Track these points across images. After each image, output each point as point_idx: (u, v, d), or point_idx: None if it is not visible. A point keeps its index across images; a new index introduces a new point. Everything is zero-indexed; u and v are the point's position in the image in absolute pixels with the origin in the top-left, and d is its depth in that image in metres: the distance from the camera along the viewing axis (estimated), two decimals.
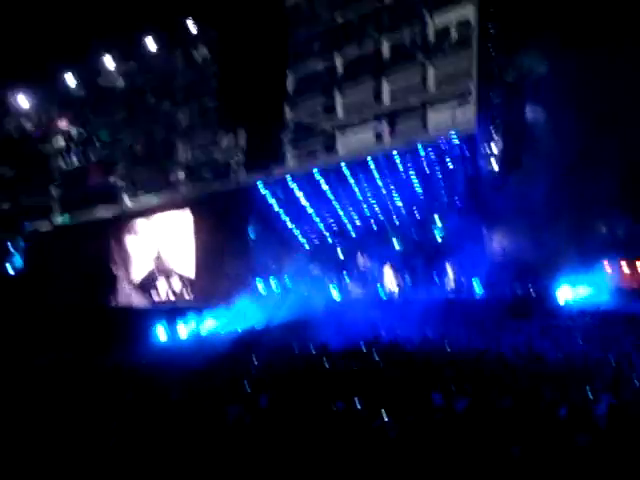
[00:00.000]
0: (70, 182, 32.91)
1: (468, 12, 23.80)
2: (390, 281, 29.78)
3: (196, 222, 29.06)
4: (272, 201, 30.23)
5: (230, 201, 27.76)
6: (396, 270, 30.48)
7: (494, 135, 27.16)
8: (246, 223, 28.19)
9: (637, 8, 27.91)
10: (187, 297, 28.48)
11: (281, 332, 20.36)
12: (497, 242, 30.34)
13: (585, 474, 7.49)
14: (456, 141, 26.67)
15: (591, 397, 10.44)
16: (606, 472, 7.49)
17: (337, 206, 32.21)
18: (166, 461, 8.17)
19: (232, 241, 28.00)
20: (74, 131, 32.95)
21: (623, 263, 34.68)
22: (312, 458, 8.03)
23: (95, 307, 29.94)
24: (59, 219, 33.08)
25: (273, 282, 28.65)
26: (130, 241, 31.39)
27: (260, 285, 28.03)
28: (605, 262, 33.22)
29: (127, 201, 30.84)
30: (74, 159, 32.83)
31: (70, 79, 30.88)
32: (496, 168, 28.30)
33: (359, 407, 9.96)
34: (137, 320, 21.77)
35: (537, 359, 15.31)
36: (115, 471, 7.99)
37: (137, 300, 28.03)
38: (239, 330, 22.11)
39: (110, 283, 30.73)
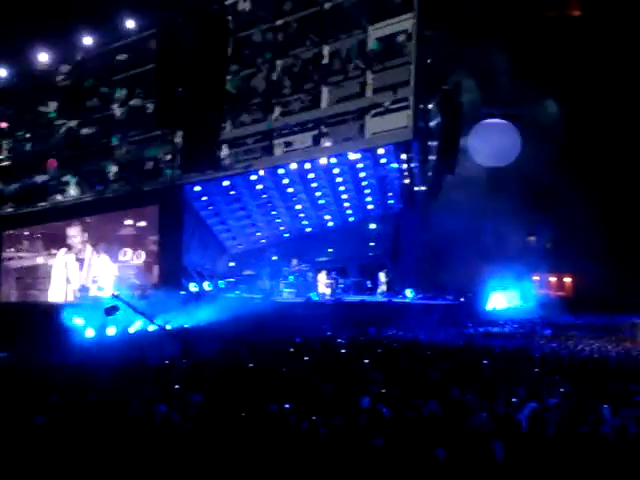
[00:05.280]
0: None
1: (408, 22, 24.05)
2: (323, 285, 29.92)
3: (130, 220, 28.67)
4: (207, 201, 30.07)
5: (164, 200, 27.51)
6: (330, 274, 30.66)
7: (429, 142, 27.52)
8: (180, 223, 27.94)
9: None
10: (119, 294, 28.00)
11: (213, 332, 20.29)
12: (430, 249, 30.80)
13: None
14: (393, 148, 27.00)
15: (515, 404, 10.64)
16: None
17: (273, 209, 32.29)
18: (89, 463, 8.06)
19: (165, 241, 27.73)
20: (5, 124, 32.18)
21: (551, 275, 35.76)
22: (242, 458, 8.03)
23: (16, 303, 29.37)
24: None
25: (206, 282, 28.49)
26: (62, 237, 30.80)
27: (193, 285, 27.81)
28: (533, 273, 34.16)
29: (58, 197, 30.21)
30: (4, 153, 32.03)
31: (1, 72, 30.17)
32: (430, 175, 28.69)
33: (289, 408, 9.99)
34: (62, 317, 21.34)
35: (465, 364, 15.55)
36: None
37: (64, 297, 27.47)
38: (169, 329, 21.92)
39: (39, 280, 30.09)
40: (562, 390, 11.93)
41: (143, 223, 28.62)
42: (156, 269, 28.27)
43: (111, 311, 20.25)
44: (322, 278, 30.23)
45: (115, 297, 21.23)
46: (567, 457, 7.97)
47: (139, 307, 21.15)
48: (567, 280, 35.77)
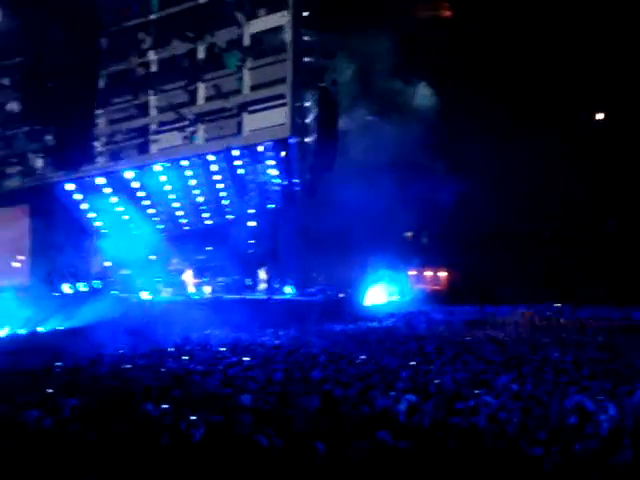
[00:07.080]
0: None
1: (284, 19, 24.11)
2: (193, 283, 29.69)
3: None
4: (80, 200, 29.18)
5: (36, 198, 26.56)
6: (201, 272, 30.47)
7: (308, 139, 27.67)
8: (53, 222, 27.04)
9: None
10: None
11: (88, 334, 19.73)
12: (310, 245, 30.97)
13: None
14: (271, 145, 26.96)
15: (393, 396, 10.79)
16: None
17: (149, 207, 31.68)
18: None
19: (37, 241, 26.78)
20: None
21: (426, 270, 36.69)
22: (117, 460, 7.83)
23: None
24: None
25: (81, 283, 27.68)
26: None
27: (67, 286, 26.95)
28: (409, 268, 34.94)
29: None
30: None
31: None
32: (309, 172, 28.83)
33: (168, 408, 9.80)
34: None
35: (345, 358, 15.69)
36: None
37: None
38: (42, 331, 21.22)
39: None
40: (437, 382, 12.17)
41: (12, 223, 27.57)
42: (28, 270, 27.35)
43: None
44: (188, 277, 29.92)
45: None
46: (441, 447, 8.14)
47: None
48: (442, 274, 36.72)
